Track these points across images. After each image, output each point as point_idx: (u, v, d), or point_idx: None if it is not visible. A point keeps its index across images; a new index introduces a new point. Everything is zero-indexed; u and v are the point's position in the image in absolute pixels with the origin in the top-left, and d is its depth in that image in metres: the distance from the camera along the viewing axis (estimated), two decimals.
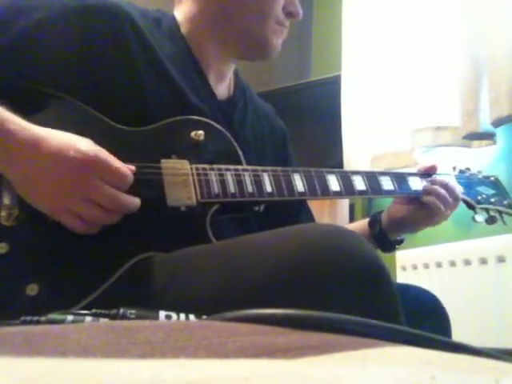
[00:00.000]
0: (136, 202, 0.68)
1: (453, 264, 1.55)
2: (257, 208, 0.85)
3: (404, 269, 1.71)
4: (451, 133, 1.67)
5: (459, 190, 1.00)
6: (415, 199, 0.97)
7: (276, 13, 0.86)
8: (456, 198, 0.98)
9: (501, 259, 1.42)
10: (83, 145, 0.64)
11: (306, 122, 2.10)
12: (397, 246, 1.04)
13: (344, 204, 1.93)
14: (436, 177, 1.01)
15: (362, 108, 1.96)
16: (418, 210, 0.96)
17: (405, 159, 1.80)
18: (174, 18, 0.88)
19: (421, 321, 0.86)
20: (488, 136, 1.58)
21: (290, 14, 0.88)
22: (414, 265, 1.68)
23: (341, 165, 1.92)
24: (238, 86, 0.96)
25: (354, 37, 2.03)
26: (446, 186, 0.97)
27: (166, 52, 0.82)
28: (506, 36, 1.46)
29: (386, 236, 1.00)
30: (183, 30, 0.88)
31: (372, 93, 1.94)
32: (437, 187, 0.96)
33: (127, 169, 0.66)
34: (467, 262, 1.51)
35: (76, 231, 0.65)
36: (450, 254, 1.57)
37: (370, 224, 1.02)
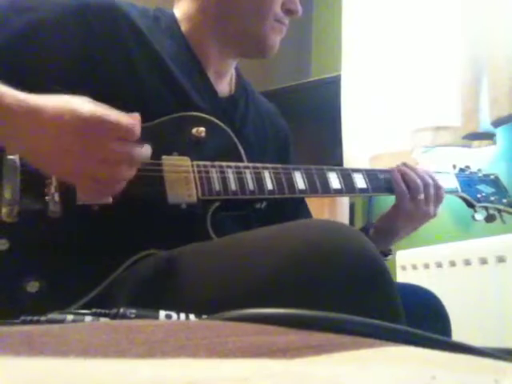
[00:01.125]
0: (148, 151, 0.65)
1: (453, 264, 1.55)
2: (258, 205, 0.85)
3: (404, 269, 1.71)
4: (451, 133, 1.67)
5: (453, 184, 1.00)
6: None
7: (274, 10, 0.86)
8: (426, 181, 0.96)
9: (501, 259, 1.42)
10: (80, 106, 0.60)
11: (305, 121, 2.10)
12: (384, 259, 1.02)
13: (344, 204, 1.93)
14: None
15: (362, 108, 1.96)
16: (399, 211, 0.96)
17: (405, 159, 1.79)
18: (173, 16, 0.88)
19: (421, 320, 0.86)
20: (488, 136, 1.58)
21: (289, 12, 0.88)
22: (413, 265, 1.68)
23: (340, 164, 1.92)
24: (240, 84, 0.96)
25: (354, 37, 2.03)
26: (420, 175, 0.96)
27: (166, 50, 0.83)
28: (506, 36, 1.46)
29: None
30: (183, 28, 0.88)
31: (372, 93, 1.94)
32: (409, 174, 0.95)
33: (131, 118, 0.63)
34: (467, 262, 1.51)
35: (97, 198, 0.64)
36: (450, 254, 1.57)
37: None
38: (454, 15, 1.69)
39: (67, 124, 0.59)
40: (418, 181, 0.95)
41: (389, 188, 0.95)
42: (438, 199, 0.98)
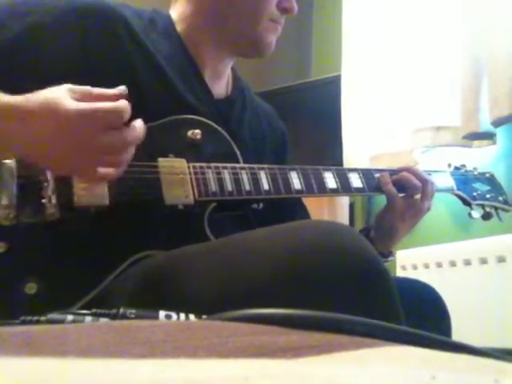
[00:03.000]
0: (140, 127, 0.63)
1: (453, 264, 1.55)
2: (255, 205, 0.85)
3: (404, 269, 1.71)
4: (451, 133, 1.67)
5: (450, 183, 1.00)
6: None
7: (269, 10, 0.86)
8: (424, 181, 0.96)
9: (501, 259, 1.42)
10: (60, 105, 0.59)
11: (305, 121, 2.10)
12: (383, 259, 1.02)
13: (344, 203, 1.93)
14: (432, 174, 1.00)
15: (362, 108, 1.96)
16: (394, 212, 0.96)
17: (405, 159, 1.80)
18: (169, 18, 0.88)
19: (420, 314, 0.86)
20: (488, 136, 1.58)
21: (284, 10, 0.88)
22: (413, 265, 1.68)
23: (340, 164, 1.92)
24: (237, 85, 0.96)
25: (354, 37, 2.03)
26: (411, 171, 0.97)
27: (162, 52, 0.83)
28: (506, 36, 1.46)
29: (375, 248, 0.99)
30: (179, 29, 0.88)
31: (372, 93, 1.94)
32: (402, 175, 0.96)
33: (114, 96, 0.62)
34: (467, 262, 1.51)
35: (103, 180, 0.65)
36: (450, 254, 1.57)
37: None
38: (454, 15, 1.69)
39: (53, 125, 0.59)
40: (416, 182, 0.95)
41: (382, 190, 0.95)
42: (433, 194, 0.98)
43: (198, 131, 0.79)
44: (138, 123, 0.63)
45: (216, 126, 0.82)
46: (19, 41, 0.72)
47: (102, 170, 0.62)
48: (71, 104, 0.59)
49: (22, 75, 0.71)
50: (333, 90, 2.05)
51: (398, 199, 0.94)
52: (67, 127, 0.59)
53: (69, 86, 0.61)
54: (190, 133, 0.79)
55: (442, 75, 1.73)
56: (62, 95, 0.60)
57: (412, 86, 1.81)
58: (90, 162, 0.61)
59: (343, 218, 1.89)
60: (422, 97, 1.77)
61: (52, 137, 0.59)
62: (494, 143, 1.59)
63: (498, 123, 1.49)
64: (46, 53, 0.73)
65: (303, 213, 1.03)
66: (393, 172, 0.98)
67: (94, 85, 0.73)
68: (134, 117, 0.76)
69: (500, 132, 1.59)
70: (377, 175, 0.95)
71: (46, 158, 0.62)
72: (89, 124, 0.59)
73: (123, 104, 0.60)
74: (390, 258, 1.02)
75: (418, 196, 0.96)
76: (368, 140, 1.94)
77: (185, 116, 0.80)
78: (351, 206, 2.02)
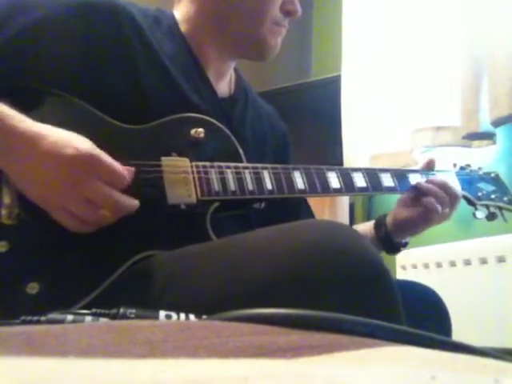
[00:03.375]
0: (134, 203, 0.67)
1: (453, 264, 1.55)
2: (257, 205, 0.85)
3: (404, 268, 1.71)
4: (451, 133, 1.67)
5: (458, 187, 1.00)
6: (417, 199, 0.96)
7: (273, 13, 0.85)
8: (455, 196, 0.96)
9: (501, 259, 1.42)
10: (79, 143, 0.63)
11: (306, 121, 2.10)
12: (401, 249, 1.03)
13: (344, 203, 1.93)
14: (436, 174, 1.00)
15: (362, 108, 1.96)
16: (418, 210, 0.96)
17: (405, 159, 1.80)
18: (173, 17, 0.88)
19: (420, 316, 0.86)
20: (488, 136, 1.58)
21: (288, 13, 0.87)
22: (413, 265, 1.68)
23: (341, 164, 1.92)
24: (239, 84, 0.96)
25: (354, 37, 2.03)
26: (443, 186, 0.96)
27: (166, 51, 0.83)
28: (506, 36, 1.46)
29: (392, 239, 0.99)
30: (182, 29, 0.88)
31: (372, 93, 1.94)
32: (432, 186, 0.95)
33: (124, 168, 0.66)
34: (467, 262, 1.51)
35: (71, 230, 0.65)
36: (450, 254, 1.57)
37: (376, 227, 1.01)
38: (454, 15, 1.69)
39: (65, 157, 0.62)
40: (446, 199, 0.95)
41: (389, 187, 0.94)
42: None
43: (201, 130, 0.79)
44: (135, 201, 0.67)
45: (219, 124, 0.82)
46: (24, 35, 0.72)
47: (76, 221, 0.64)
48: (93, 146, 0.64)
49: (25, 70, 0.71)
50: (333, 89, 2.05)
51: (435, 213, 0.94)
52: (79, 162, 0.63)
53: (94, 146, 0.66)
54: (193, 131, 0.78)
55: (442, 75, 1.73)
56: (86, 139, 0.65)
57: (412, 86, 1.81)
58: (74, 205, 0.63)
59: (343, 217, 1.89)
60: (422, 97, 1.77)
61: (59, 168, 0.62)
62: (494, 143, 1.59)
63: (497, 123, 1.49)
64: (50, 48, 0.72)
65: (308, 213, 1.03)
66: (423, 174, 0.98)
67: (96, 81, 0.73)
68: (136, 114, 0.76)
69: (500, 132, 1.59)
70: (388, 175, 0.95)
71: (36, 184, 0.64)
72: (93, 166, 0.63)
73: (127, 175, 0.66)
74: (406, 247, 1.04)
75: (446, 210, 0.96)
76: (368, 140, 1.94)
77: (188, 114, 0.80)
78: (351, 206, 2.02)
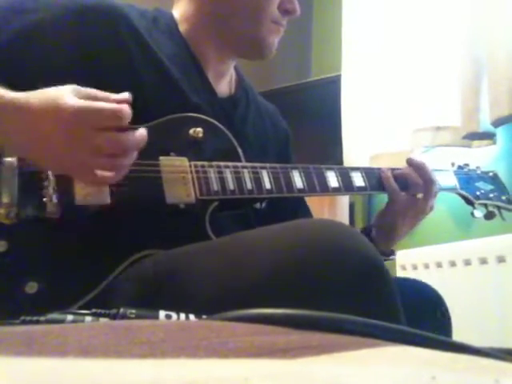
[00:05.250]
0: (142, 133, 0.63)
1: (453, 264, 1.55)
2: (258, 205, 0.85)
3: (404, 268, 1.71)
4: (451, 133, 1.67)
5: (432, 174, 0.99)
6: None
7: (271, 12, 0.85)
8: (430, 181, 0.96)
9: (501, 259, 1.42)
10: (63, 101, 0.59)
11: (306, 121, 2.10)
12: (386, 258, 1.01)
13: (344, 203, 1.93)
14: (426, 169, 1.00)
15: (362, 108, 1.96)
16: (393, 209, 0.96)
17: (405, 159, 1.80)
18: (172, 17, 0.88)
19: (421, 314, 0.86)
20: (488, 136, 1.58)
21: (286, 12, 0.87)
22: (413, 265, 1.68)
23: (340, 164, 1.92)
24: (240, 84, 0.96)
25: (354, 37, 2.03)
26: (419, 167, 0.96)
27: (165, 51, 0.83)
28: (506, 36, 1.46)
29: (377, 246, 0.99)
30: (181, 28, 0.88)
31: (372, 93, 1.94)
32: (407, 168, 0.96)
33: (118, 99, 0.62)
34: (467, 262, 1.51)
35: (98, 185, 0.64)
36: (450, 254, 1.57)
37: (362, 233, 1.01)
38: (454, 15, 1.69)
39: (52, 120, 0.59)
40: (418, 180, 0.95)
41: (383, 186, 0.94)
42: (435, 194, 0.98)
43: (199, 129, 0.79)
44: (141, 130, 0.63)
45: (218, 123, 0.82)
46: (20, 38, 0.72)
47: (99, 173, 0.62)
48: (70, 100, 0.59)
49: (21, 73, 0.71)
50: (333, 90, 2.05)
51: (400, 195, 0.94)
52: (63, 122, 0.58)
53: (75, 86, 0.61)
54: (191, 131, 0.78)
55: (442, 75, 1.73)
56: (65, 93, 0.60)
57: (412, 86, 1.81)
58: (85, 162, 0.61)
59: (343, 217, 1.89)
60: (421, 97, 1.77)
61: (48, 132, 0.59)
62: (494, 143, 1.59)
63: (497, 123, 1.49)
64: (46, 51, 0.72)
65: (306, 212, 1.03)
66: (397, 169, 0.98)
67: (93, 84, 0.73)
68: (136, 116, 0.76)
69: (500, 132, 1.59)
70: (378, 174, 0.95)
71: (42, 154, 0.61)
72: (85, 121, 0.59)
73: (124, 108, 0.60)
74: (392, 257, 1.02)
75: (420, 195, 0.96)
76: (368, 140, 1.94)
77: (186, 114, 0.80)
78: (351, 206, 2.02)
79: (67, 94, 0.60)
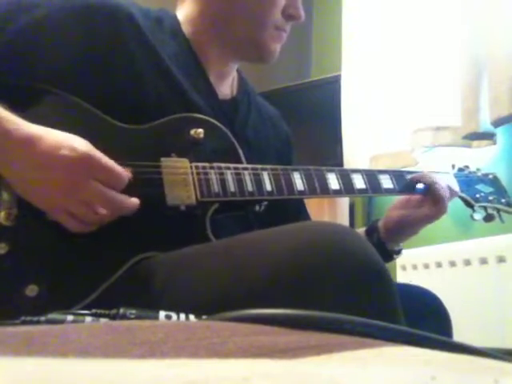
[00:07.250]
0: (134, 202, 0.67)
1: (453, 264, 1.55)
2: (257, 208, 0.85)
3: (404, 269, 1.71)
4: (451, 133, 1.67)
5: (457, 188, 1.00)
6: (412, 199, 0.96)
7: (274, 18, 0.85)
8: (452, 192, 0.97)
9: (501, 259, 1.42)
10: (76, 144, 0.63)
11: (306, 121, 2.10)
12: (394, 256, 1.01)
13: (344, 204, 1.93)
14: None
15: (362, 108, 1.96)
16: (415, 208, 0.96)
17: (405, 159, 1.80)
18: (175, 18, 0.88)
19: (422, 320, 0.86)
20: (488, 136, 1.58)
21: (290, 17, 0.87)
22: (414, 265, 1.68)
23: (340, 165, 1.92)
24: (242, 86, 0.96)
25: (354, 37, 2.03)
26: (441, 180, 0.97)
27: (168, 51, 0.82)
28: (506, 36, 1.46)
29: (384, 245, 0.98)
30: (185, 29, 0.88)
31: (372, 93, 1.94)
32: (434, 176, 0.96)
33: (122, 169, 0.66)
34: (467, 262, 1.51)
35: (72, 230, 0.65)
36: (450, 254, 1.57)
37: (368, 233, 1.00)
38: (454, 15, 1.69)
39: (62, 158, 0.62)
40: (447, 192, 0.95)
41: (388, 189, 0.94)
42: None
43: (200, 130, 0.78)
44: (133, 199, 0.67)
45: (219, 124, 0.82)
46: (25, 34, 0.72)
47: (71, 220, 0.64)
48: (91, 147, 0.64)
49: (25, 69, 0.71)
50: (333, 90, 2.05)
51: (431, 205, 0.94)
52: (76, 164, 0.62)
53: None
54: (192, 132, 0.78)
55: (442, 75, 1.73)
56: (84, 140, 0.65)
57: (412, 86, 1.81)
58: (72, 206, 0.63)
59: (343, 218, 1.89)
60: (422, 97, 1.77)
61: (56, 169, 0.62)
62: (494, 143, 1.59)
63: (497, 123, 1.49)
64: (49, 48, 0.72)
65: (306, 216, 1.03)
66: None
67: (96, 81, 0.73)
68: (137, 115, 0.76)
69: (500, 132, 1.59)
70: (386, 176, 0.94)
71: (34, 186, 0.63)
72: (95, 170, 0.64)
73: (125, 175, 0.66)
74: (398, 256, 1.02)
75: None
76: (368, 140, 1.94)
77: (187, 114, 0.79)
78: (351, 207, 2.02)
79: (83, 140, 0.64)
